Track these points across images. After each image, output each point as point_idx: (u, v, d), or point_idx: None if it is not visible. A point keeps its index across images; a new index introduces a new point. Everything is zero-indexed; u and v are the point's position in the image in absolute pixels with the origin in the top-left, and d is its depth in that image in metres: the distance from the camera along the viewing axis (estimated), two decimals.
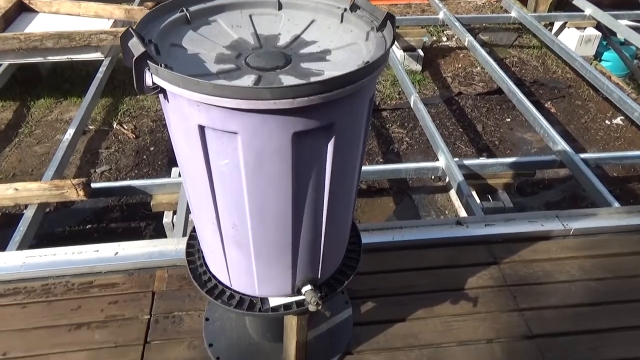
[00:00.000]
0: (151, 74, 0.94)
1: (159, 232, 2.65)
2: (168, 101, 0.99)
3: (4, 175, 3.18)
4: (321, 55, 1.11)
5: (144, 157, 3.34)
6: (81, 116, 2.90)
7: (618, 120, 3.88)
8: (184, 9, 1.18)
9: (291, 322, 1.44)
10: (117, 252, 2.01)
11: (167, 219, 2.51)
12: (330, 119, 0.98)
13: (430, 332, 1.81)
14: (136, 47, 0.94)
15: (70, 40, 3.27)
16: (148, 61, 0.92)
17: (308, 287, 1.30)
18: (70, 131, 2.77)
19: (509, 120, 3.85)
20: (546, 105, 4.06)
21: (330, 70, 1.05)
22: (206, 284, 1.39)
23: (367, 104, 1.11)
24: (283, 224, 1.13)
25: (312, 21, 1.24)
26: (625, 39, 4.52)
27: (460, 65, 4.54)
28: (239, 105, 0.88)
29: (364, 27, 1.17)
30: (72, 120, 2.89)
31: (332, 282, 1.40)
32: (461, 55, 4.70)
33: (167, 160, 3.29)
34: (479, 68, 4.46)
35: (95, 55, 3.41)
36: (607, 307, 1.94)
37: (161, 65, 0.91)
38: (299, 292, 1.32)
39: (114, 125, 3.63)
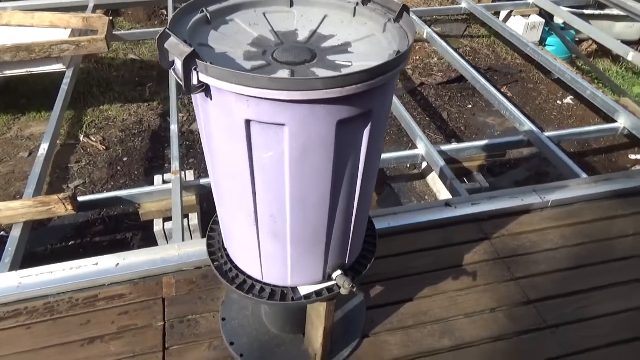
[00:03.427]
0: (197, 73, 0.96)
1: (148, 242, 2.61)
2: (211, 99, 1.01)
3: None
4: (344, 48, 1.17)
5: (119, 168, 3.26)
6: (53, 129, 2.80)
7: (568, 100, 4.16)
8: (204, 10, 1.20)
9: (319, 310, 1.48)
10: (118, 263, 1.98)
11: (158, 227, 2.48)
12: (370, 106, 1.04)
13: (438, 308, 1.90)
14: (178, 47, 0.96)
15: (30, 53, 3.14)
16: (197, 60, 0.94)
17: (338, 272, 1.36)
18: (45, 146, 2.67)
19: (470, 106, 4.04)
20: (502, 90, 4.28)
21: (357, 61, 1.11)
22: (234, 280, 1.41)
23: (393, 92, 1.17)
24: (321, 211, 1.18)
25: (325, 16, 1.29)
26: (565, 23, 4.85)
27: (418, 58, 4.71)
28: (291, 97, 0.92)
29: (379, 19, 1.24)
30: (45, 134, 2.78)
31: (357, 267, 1.46)
32: (417, 47, 4.87)
33: (143, 170, 3.23)
34: (436, 59, 4.64)
35: (57, 67, 3.30)
36: (590, 269, 2.11)
37: (209, 64, 0.93)
38: (329, 279, 1.37)
39: (81, 138, 3.52)
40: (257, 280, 1.39)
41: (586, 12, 5.38)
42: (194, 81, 0.97)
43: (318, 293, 1.38)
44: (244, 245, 1.32)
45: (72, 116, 3.73)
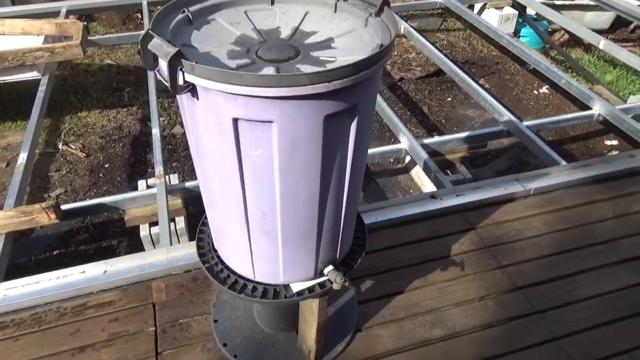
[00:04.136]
0: (183, 73, 0.96)
1: (134, 248, 2.59)
2: (197, 99, 1.01)
3: None
4: (326, 44, 1.17)
5: (100, 175, 3.21)
6: (31, 138, 2.75)
7: (544, 89, 4.24)
8: (185, 10, 1.19)
9: (311, 306, 1.49)
10: (106, 270, 1.96)
11: (144, 232, 2.46)
12: (355, 100, 1.05)
13: (428, 299, 1.93)
14: (162, 48, 0.96)
15: (2, 61, 3.08)
16: (182, 60, 0.93)
17: (330, 267, 1.37)
18: (23, 155, 2.62)
19: (450, 99, 4.09)
20: (480, 82, 4.34)
21: (340, 56, 1.12)
22: (226, 281, 1.41)
23: (378, 85, 1.19)
24: (310, 207, 1.18)
25: (307, 13, 1.30)
26: (537, 14, 4.94)
27: (396, 53, 4.74)
28: (279, 94, 0.93)
29: (360, 14, 1.25)
30: (23, 143, 2.73)
31: (348, 261, 1.47)
32: (395, 43, 4.91)
33: (126, 176, 3.19)
34: (414, 54, 4.69)
35: (32, 74, 3.23)
36: (574, 253, 2.15)
37: (195, 63, 0.93)
38: (321, 274, 1.38)
39: (60, 146, 3.46)
40: (249, 280, 1.39)
41: (557, 2, 5.51)
42: (180, 81, 0.97)
43: (310, 289, 1.39)
44: (235, 245, 1.32)
45: (50, 124, 3.66)
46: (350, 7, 1.27)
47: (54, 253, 2.67)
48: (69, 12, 4.38)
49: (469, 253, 2.12)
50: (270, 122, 0.99)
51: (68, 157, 3.37)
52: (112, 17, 5.30)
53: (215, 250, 1.46)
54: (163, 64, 0.95)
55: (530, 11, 5.22)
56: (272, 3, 1.32)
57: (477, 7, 5.17)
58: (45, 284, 1.92)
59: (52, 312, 1.85)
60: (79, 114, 3.79)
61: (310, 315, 1.53)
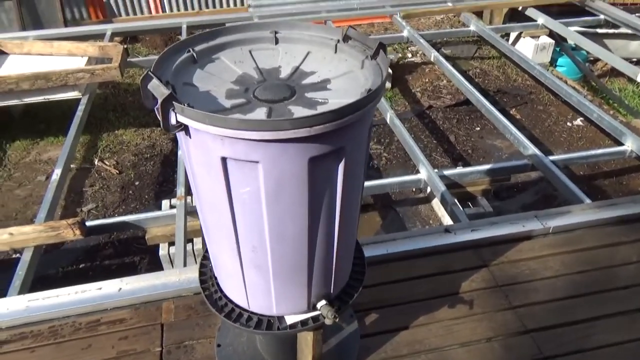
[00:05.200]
0: (175, 113, 1.01)
1: (155, 265, 2.67)
2: (190, 137, 1.06)
3: None
4: (322, 85, 1.21)
5: (130, 192, 3.35)
6: (66, 155, 2.91)
7: (578, 121, 4.13)
8: (191, 49, 1.26)
9: (306, 338, 1.50)
10: (120, 288, 2.04)
11: (163, 251, 2.54)
12: (341, 143, 1.08)
13: (433, 336, 1.90)
14: (158, 89, 1.02)
15: (47, 81, 3.29)
16: (173, 102, 0.99)
17: (323, 302, 1.38)
18: (57, 171, 2.78)
19: (478, 129, 4.04)
20: (511, 112, 4.28)
21: (333, 98, 1.15)
22: (223, 309, 1.44)
23: (369, 127, 1.21)
24: (300, 243, 1.21)
25: (308, 53, 1.34)
26: (576, 44, 4.83)
27: (427, 80, 4.74)
28: (262, 137, 0.97)
29: (358, 56, 1.28)
30: (58, 160, 2.89)
31: (343, 296, 1.48)
32: (427, 69, 4.91)
33: (154, 194, 3.32)
34: (445, 81, 4.67)
35: (73, 94, 3.43)
36: (591, 297, 2.07)
37: (186, 105, 0.99)
38: (314, 308, 1.39)
39: (96, 162, 3.63)
40: (244, 309, 1.42)
41: (599, 31, 5.36)
42: (173, 121, 1.03)
43: (303, 322, 1.41)
44: (231, 275, 1.35)
45: (88, 140, 3.86)
46: (350, 49, 1.31)
47: (80, 266, 2.80)
48: (113, 34, 4.63)
49: (479, 291, 2.08)
50: (256, 162, 1.03)
51: (102, 173, 3.54)
52: (154, 39, 5.56)
53: (215, 278, 1.50)
54: (158, 104, 1.02)
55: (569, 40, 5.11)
56: (277, 42, 1.38)
57: (513, 35, 5.12)
58: (64, 298, 2.01)
59: (67, 326, 1.94)
60: (116, 131, 3.98)
61: (306, 347, 1.54)
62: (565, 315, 1.98)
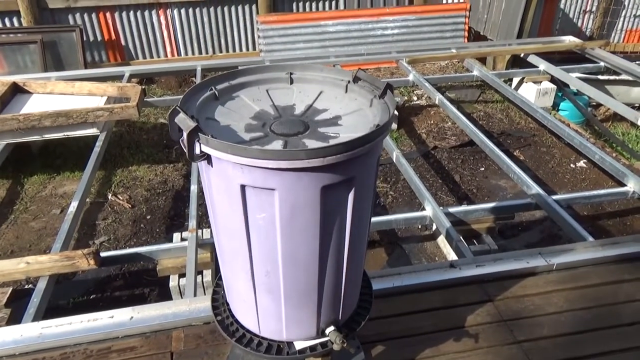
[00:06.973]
0: (199, 144, 1.11)
1: (164, 297, 2.72)
2: (212, 166, 1.15)
3: (2, 252, 3.21)
4: (334, 121, 1.31)
5: (142, 225, 3.43)
6: (83, 188, 3.02)
7: (581, 163, 4.21)
8: (213, 88, 1.38)
9: None
10: (132, 317, 2.09)
11: (173, 282, 2.59)
12: (352, 173, 1.17)
13: None
14: (185, 122, 1.12)
15: (68, 119, 3.44)
16: (199, 134, 1.09)
17: (331, 328, 1.43)
18: (74, 203, 2.87)
19: (482, 169, 4.13)
20: (515, 153, 4.37)
21: (344, 133, 1.25)
22: (234, 334, 1.50)
23: (377, 159, 1.30)
24: (311, 269, 1.28)
25: (321, 92, 1.45)
26: (577, 90, 4.98)
27: (432, 122, 4.87)
28: (279, 165, 1.06)
29: (367, 95, 1.39)
30: (75, 193, 3.00)
31: (351, 323, 1.53)
32: (432, 112, 5.06)
33: (164, 228, 3.40)
34: (449, 123, 4.80)
35: (92, 131, 3.58)
36: (595, 334, 2.10)
37: (210, 137, 1.08)
38: (322, 334, 1.44)
39: (109, 197, 3.73)
40: (255, 335, 1.48)
41: (601, 77, 5.52)
42: (197, 151, 1.12)
43: (312, 348, 1.45)
44: (243, 300, 1.41)
45: (103, 176, 3.98)
46: (359, 89, 1.42)
47: (91, 297, 2.85)
48: (131, 76, 4.86)
49: (484, 325, 2.11)
50: (273, 189, 1.12)
51: (115, 207, 3.63)
52: (170, 80, 5.78)
53: (228, 304, 1.56)
54: (185, 136, 1.11)
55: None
56: (291, 82, 1.49)
57: (516, 80, 5.29)
58: (77, 325, 2.06)
59: (79, 353, 1.98)
60: (130, 167, 4.11)
61: None
62: (571, 351, 2.00)
